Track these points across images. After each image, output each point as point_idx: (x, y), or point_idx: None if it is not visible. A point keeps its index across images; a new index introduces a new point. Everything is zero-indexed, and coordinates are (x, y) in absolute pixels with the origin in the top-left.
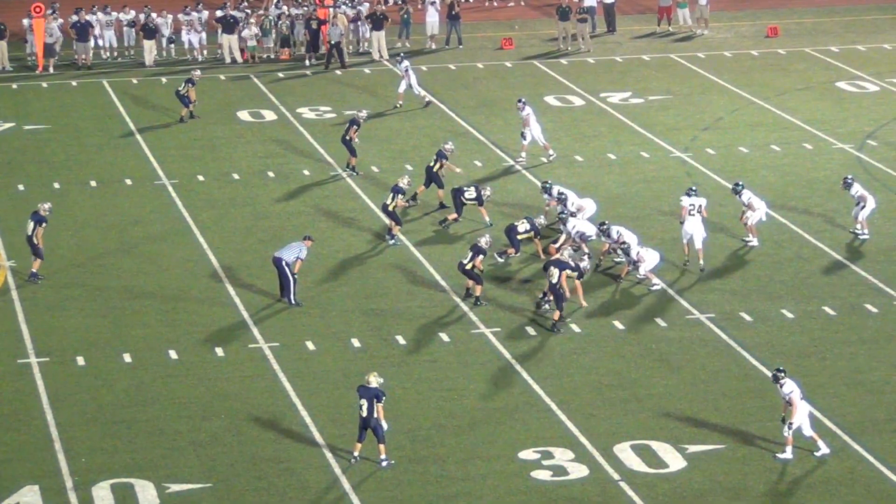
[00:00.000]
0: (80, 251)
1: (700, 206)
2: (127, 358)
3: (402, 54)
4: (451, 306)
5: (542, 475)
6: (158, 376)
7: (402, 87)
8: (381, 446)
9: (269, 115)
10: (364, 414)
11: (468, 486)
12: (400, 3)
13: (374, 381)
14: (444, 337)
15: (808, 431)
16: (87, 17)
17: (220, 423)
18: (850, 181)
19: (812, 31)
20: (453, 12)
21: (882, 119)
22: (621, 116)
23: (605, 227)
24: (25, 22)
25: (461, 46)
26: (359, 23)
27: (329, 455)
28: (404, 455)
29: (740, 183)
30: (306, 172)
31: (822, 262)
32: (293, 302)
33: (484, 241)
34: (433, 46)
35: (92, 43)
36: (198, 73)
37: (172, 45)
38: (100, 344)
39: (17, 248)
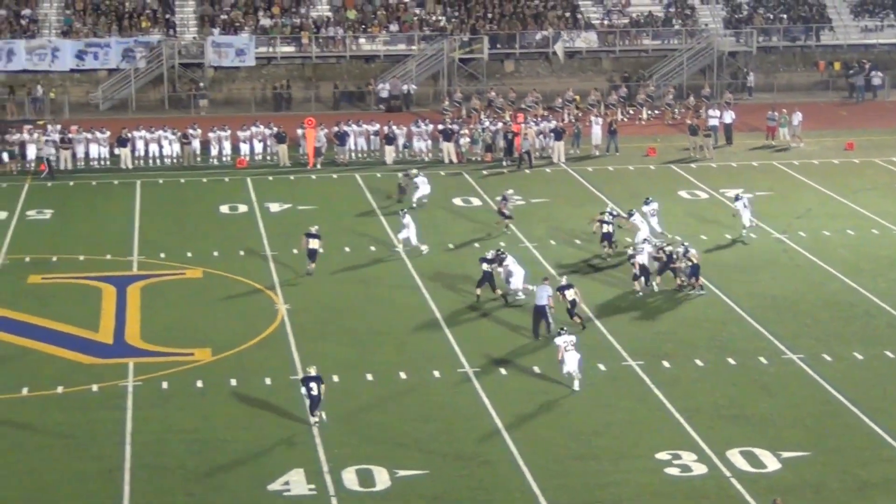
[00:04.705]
0: (336, 298)
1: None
2: (369, 377)
3: (403, 210)
4: (600, 338)
5: (673, 471)
6: (392, 392)
7: (404, 235)
8: (322, 413)
9: (476, 202)
10: (315, 393)
11: (617, 478)
12: (574, 120)
13: (314, 371)
14: (601, 367)
15: (572, 368)
16: (345, 128)
17: (435, 425)
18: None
19: (880, 146)
20: (612, 128)
21: None
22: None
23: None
24: (299, 131)
25: (618, 153)
26: (541, 136)
27: (514, 450)
28: (569, 453)
29: (740, 195)
30: (502, 244)
31: (886, 317)
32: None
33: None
34: (597, 153)
35: (347, 147)
36: (414, 171)
37: (406, 150)
38: (349, 365)
39: (292, 294)
